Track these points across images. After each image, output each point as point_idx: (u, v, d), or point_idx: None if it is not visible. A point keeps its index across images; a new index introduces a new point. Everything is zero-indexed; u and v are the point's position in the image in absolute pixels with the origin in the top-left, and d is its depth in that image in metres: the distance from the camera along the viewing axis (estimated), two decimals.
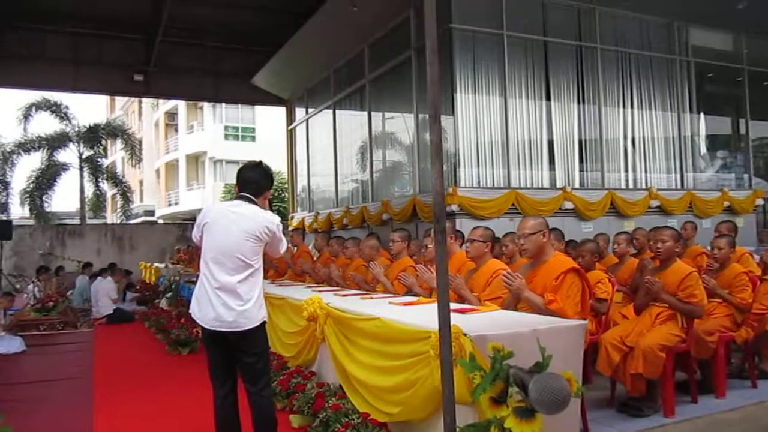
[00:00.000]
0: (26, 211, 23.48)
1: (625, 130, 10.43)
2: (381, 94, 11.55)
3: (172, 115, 36.05)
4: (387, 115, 11.77)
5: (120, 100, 40.95)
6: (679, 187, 10.70)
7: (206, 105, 31.65)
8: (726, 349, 4.89)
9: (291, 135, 16.41)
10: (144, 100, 35.27)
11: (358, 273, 6.23)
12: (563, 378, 2.26)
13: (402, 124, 11.17)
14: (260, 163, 3.62)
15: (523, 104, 9.53)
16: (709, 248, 5.65)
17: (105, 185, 25.49)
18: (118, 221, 25.85)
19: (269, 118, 29.19)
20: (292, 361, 5.26)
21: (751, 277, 5.10)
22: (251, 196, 3.48)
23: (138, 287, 12.95)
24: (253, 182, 3.52)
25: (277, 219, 3.51)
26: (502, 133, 9.28)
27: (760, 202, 11.29)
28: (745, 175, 11.89)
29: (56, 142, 23.06)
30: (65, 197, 31.72)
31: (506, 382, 2.38)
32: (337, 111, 13.34)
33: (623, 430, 4.11)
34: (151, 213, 37.72)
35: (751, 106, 11.84)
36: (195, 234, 3.55)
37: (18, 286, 13.16)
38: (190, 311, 3.54)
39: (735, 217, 10.16)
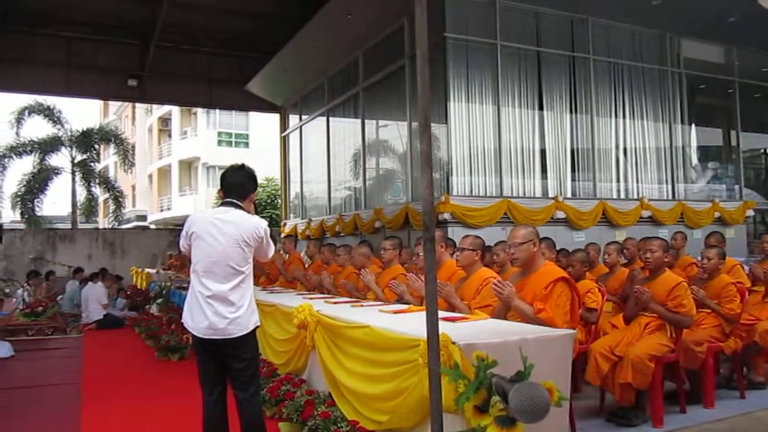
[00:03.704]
0: (17, 215, 23.33)
1: (617, 140, 10.49)
2: (375, 101, 11.58)
3: (165, 121, 35.99)
4: (381, 122, 11.80)
5: (114, 105, 40.83)
6: (670, 197, 10.76)
7: (200, 111, 31.61)
8: (715, 359, 4.91)
9: (284, 142, 16.42)
10: (138, 105, 35.16)
11: (350, 280, 6.22)
12: (543, 387, 2.26)
13: (395, 132, 11.20)
14: (243, 165, 3.60)
15: (515, 113, 9.58)
16: (699, 259, 5.67)
17: (97, 190, 25.32)
18: (110, 226, 25.70)
19: (263, 125, 29.22)
20: (282, 368, 5.24)
21: (740, 288, 5.11)
22: (237, 201, 3.47)
23: (129, 293, 12.87)
24: (238, 186, 3.51)
25: (264, 223, 3.50)
26: (495, 142, 9.32)
27: (750, 213, 11.37)
28: (736, 186, 11.96)
29: (48, 146, 22.92)
30: (57, 201, 31.37)
31: (489, 390, 2.39)
32: (330, 118, 13.37)
33: None
34: (144, 218, 37.57)
35: (742, 117, 11.95)
36: (182, 244, 3.53)
37: (7, 291, 13.03)
38: (182, 321, 3.53)
39: (726, 228, 10.22)
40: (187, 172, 34.46)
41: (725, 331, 5.01)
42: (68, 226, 24.49)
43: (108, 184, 25.22)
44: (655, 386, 4.30)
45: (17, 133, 22.28)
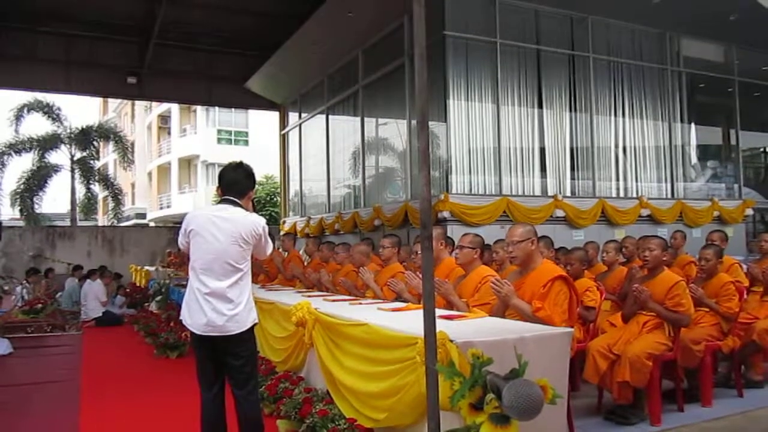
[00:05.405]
0: (16, 213, 23.35)
1: (617, 139, 10.50)
2: (374, 99, 11.57)
3: (165, 118, 35.98)
4: (380, 120, 11.80)
5: (113, 103, 40.79)
6: (669, 196, 10.76)
7: (199, 108, 31.61)
8: (713, 358, 4.92)
9: (284, 140, 16.41)
10: (137, 102, 35.15)
11: (349, 278, 6.22)
12: (537, 385, 2.27)
13: (395, 130, 11.20)
14: (241, 163, 3.61)
15: (515, 112, 9.58)
16: (697, 258, 5.68)
17: (96, 187, 25.35)
18: (109, 224, 25.71)
19: (262, 123, 29.22)
20: (280, 366, 5.25)
21: (738, 287, 5.12)
22: (235, 199, 3.48)
23: (128, 290, 12.88)
24: (236, 183, 3.52)
25: (262, 221, 3.50)
26: (494, 141, 9.32)
27: (749, 212, 11.37)
28: (735, 185, 11.98)
29: (48, 143, 22.94)
30: (56, 199, 31.53)
31: (484, 388, 2.39)
32: (330, 116, 13.36)
33: None
34: (143, 216, 37.59)
35: (741, 116, 11.95)
36: (181, 241, 3.53)
37: (6, 288, 13.04)
38: (180, 318, 3.54)
39: (725, 227, 10.21)
40: (187, 169, 34.46)
41: (723, 330, 5.01)
42: (67, 223, 24.50)
43: (107, 182, 25.26)
44: (653, 385, 4.30)
45: (16, 131, 22.33)
